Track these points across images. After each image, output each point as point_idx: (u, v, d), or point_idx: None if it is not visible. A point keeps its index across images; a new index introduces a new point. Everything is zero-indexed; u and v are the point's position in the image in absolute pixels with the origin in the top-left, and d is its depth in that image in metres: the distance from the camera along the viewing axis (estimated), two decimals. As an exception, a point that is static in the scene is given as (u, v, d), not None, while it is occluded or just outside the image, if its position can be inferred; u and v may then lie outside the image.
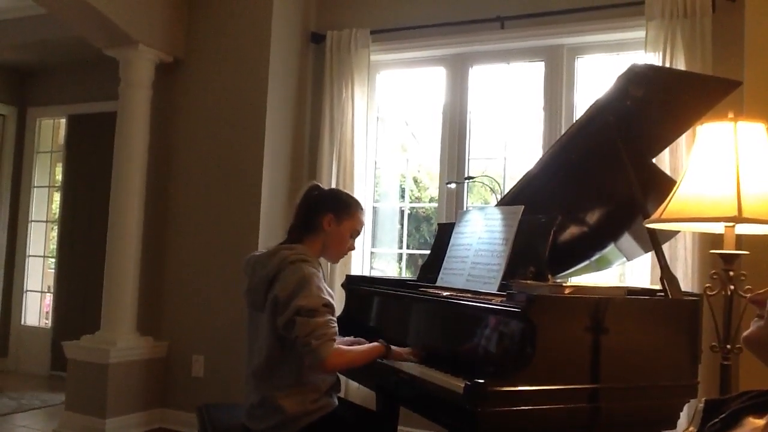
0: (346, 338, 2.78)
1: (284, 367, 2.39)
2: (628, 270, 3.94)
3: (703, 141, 2.49)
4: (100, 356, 4.28)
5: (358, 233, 2.68)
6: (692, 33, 3.54)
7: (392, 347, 2.49)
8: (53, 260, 6.47)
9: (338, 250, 2.65)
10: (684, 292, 2.55)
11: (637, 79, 2.49)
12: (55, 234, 6.56)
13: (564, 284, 2.41)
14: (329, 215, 2.55)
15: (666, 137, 3.00)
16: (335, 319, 2.37)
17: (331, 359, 2.27)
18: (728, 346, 2.53)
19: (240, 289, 2.61)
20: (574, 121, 3.53)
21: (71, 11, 4.31)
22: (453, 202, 4.35)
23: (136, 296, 4.54)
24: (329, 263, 3.86)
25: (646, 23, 3.65)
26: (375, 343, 2.50)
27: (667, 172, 3.26)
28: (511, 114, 4.35)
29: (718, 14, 3.55)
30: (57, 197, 6.55)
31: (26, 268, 6.47)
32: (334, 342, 2.30)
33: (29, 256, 6.49)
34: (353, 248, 2.72)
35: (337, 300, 3.95)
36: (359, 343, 2.63)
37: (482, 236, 2.72)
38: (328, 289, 2.44)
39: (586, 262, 3.12)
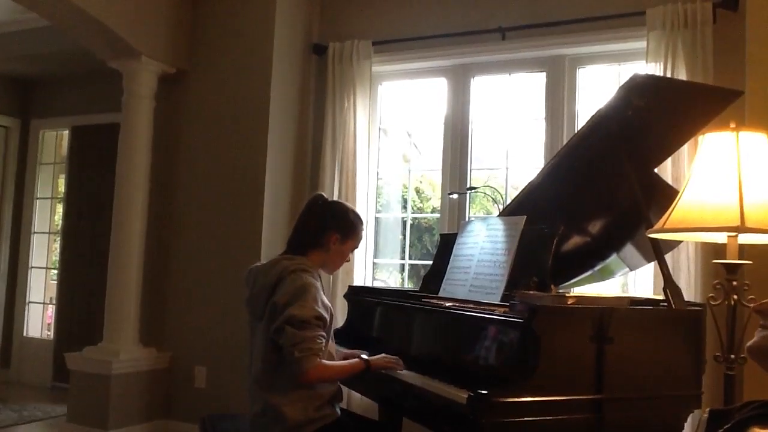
0: (346, 351, 2.79)
1: (282, 372, 2.41)
2: (631, 280, 3.94)
3: (705, 151, 2.49)
4: (103, 367, 4.27)
5: (356, 248, 2.76)
6: (693, 43, 3.55)
7: (372, 360, 2.53)
8: (56, 272, 6.46)
9: (337, 264, 2.74)
10: (687, 302, 2.55)
11: (639, 89, 2.50)
12: (57, 245, 6.56)
13: (567, 294, 2.41)
14: (335, 235, 2.59)
15: (668, 147, 3.01)
16: (324, 334, 2.39)
17: (311, 372, 2.32)
18: (732, 356, 2.53)
19: (243, 300, 2.63)
20: (576, 131, 3.53)
21: (75, 23, 4.33)
22: (455, 212, 4.35)
23: (139, 307, 4.54)
24: (328, 274, 3.89)
25: (648, 34, 3.65)
26: (356, 360, 2.56)
27: (670, 181, 3.27)
28: (512, 124, 4.35)
29: (719, 24, 3.56)
30: (60, 209, 6.55)
31: (29, 279, 6.46)
32: (318, 357, 2.33)
33: (32, 267, 6.49)
34: (349, 260, 2.82)
35: (340, 310, 3.99)
36: (355, 356, 2.68)
37: (485, 247, 2.72)
38: (326, 301, 2.47)
39: (589, 272, 3.12)
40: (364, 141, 4.43)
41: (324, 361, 2.38)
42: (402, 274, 4.76)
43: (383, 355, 2.58)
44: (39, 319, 6.55)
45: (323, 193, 2.75)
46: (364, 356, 2.56)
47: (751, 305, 2.30)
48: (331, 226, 2.60)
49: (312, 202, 2.66)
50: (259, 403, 2.46)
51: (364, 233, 2.81)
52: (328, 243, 2.59)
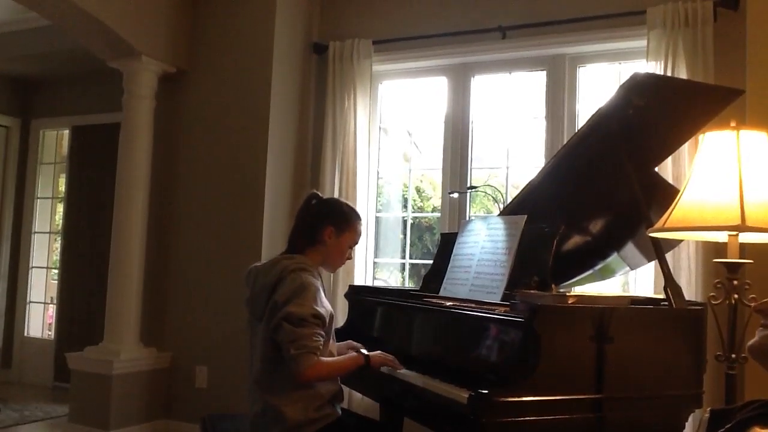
0: (343, 343, 2.79)
1: (282, 372, 2.40)
2: (631, 279, 3.93)
3: (705, 149, 2.49)
4: (104, 367, 4.28)
5: (356, 243, 2.73)
6: (694, 42, 3.54)
7: (372, 356, 2.53)
8: (56, 271, 6.46)
9: (337, 261, 2.70)
10: (688, 301, 2.55)
11: (639, 88, 2.50)
12: (58, 245, 6.56)
13: (567, 294, 2.41)
14: (330, 228, 2.58)
15: (669, 146, 3.00)
16: (322, 333, 2.38)
17: (308, 371, 2.31)
18: (733, 356, 2.53)
19: (243, 300, 2.63)
20: (577, 130, 3.53)
21: (75, 23, 4.34)
22: (456, 211, 4.35)
23: (140, 307, 4.54)
24: (330, 273, 3.91)
25: (648, 32, 3.65)
26: (354, 354, 2.54)
27: (670, 180, 3.26)
28: (513, 123, 4.35)
29: (719, 23, 3.55)
30: (60, 208, 6.55)
31: (29, 279, 6.47)
32: (315, 355, 2.32)
33: (32, 267, 6.49)
34: (351, 258, 2.78)
35: (340, 310, 3.99)
36: (352, 347, 2.69)
37: (485, 246, 2.72)
38: (324, 301, 2.46)
39: (590, 272, 3.12)
40: (364, 140, 4.42)
41: (322, 358, 2.37)
42: (402, 274, 4.76)
43: (380, 351, 2.58)
44: (40, 319, 6.56)
45: (317, 191, 2.73)
46: (364, 351, 2.56)
47: (752, 304, 2.30)
48: (325, 221, 2.59)
49: (307, 200, 2.65)
50: (259, 403, 2.46)
51: (363, 229, 2.79)
52: (324, 237, 2.58)
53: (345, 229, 2.62)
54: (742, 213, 2.30)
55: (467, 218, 4.21)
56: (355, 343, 2.78)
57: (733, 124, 2.47)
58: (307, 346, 2.30)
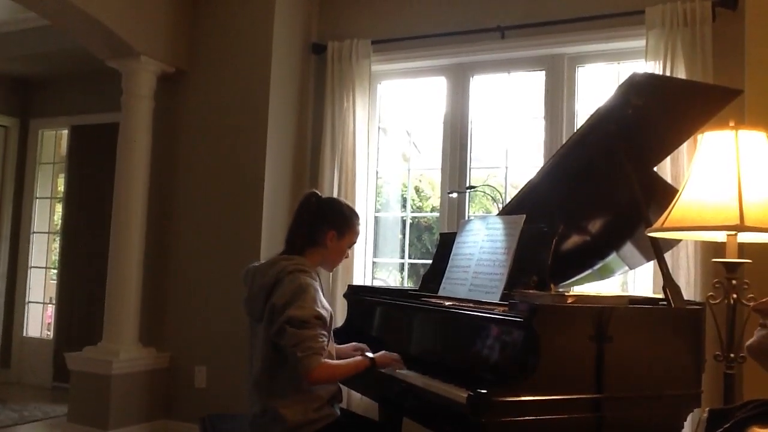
0: (349, 344, 2.78)
1: (282, 374, 2.40)
2: (630, 279, 3.94)
3: (704, 149, 2.49)
4: (103, 367, 4.28)
5: (354, 243, 2.74)
6: (692, 42, 3.55)
7: (377, 358, 2.52)
8: (55, 271, 6.46)
9: (336, 261, 2.72)
10: (687, 300, 2.55)
11: (638, 88, 2.50)
12: (57, 245, 6.56)
13: (566, 293, 2.41)
14: (332, 232, 2.57)
15: (667, 146, 3.01)
16: (326, 332, 2.38)
17: (314, 372, 2.30)
18: (732, 355, 2.53)
19: (242, 300, 2.62)
20: (575, 130, 3.53)
21: (74, 23, 4.33)
22: (455, 211, 4.35)
23: (139, 307, 4.54)
24: (328, 272, 3.90)
25: (647, 32, 3.65)
26: (359, 358, 2.54)
27: (669, 180, 3.27)
28: (512, 123, 4.35)
29: (718, 23, 3.56)
30: (59, 208, 6.55)
31: (28, 279, 6.47)
32: (321, 356, 2.32)
33: (31, 267, 6.49)
34: (347, 257, 2.78)
35: (339, 310, 3.99)
36: (361, 349, 2.69)
37: (484, 246, 2.72)
38: (324, 301, 2.46)
39: (589, 271, 3.12)
40: (363, 140, 4.42)
41: (327, 360, 2.37)
42: (401, 274, 4.76)
43: (384, 352, 2.58)
44: (39, 319, 6.55)
45: (316, 191, 2.73)
46: (369, 354, 2.56)
47: (751, 304, 2.30)
48: (327, 224, 2.58)
49: (306, 200, 2.64)
50: (259, 404, 2.46)
51: (361, 228, 2.79)
52: (325, 240, 2.58)
53: (346, 233, 2.63)
54: (740, 213, 2.30)
55: (466, 218, 4.21)
56: (360, 345, 2.78)
57: (731, 123, 2.47)
58: (312, 348, 2.30)
